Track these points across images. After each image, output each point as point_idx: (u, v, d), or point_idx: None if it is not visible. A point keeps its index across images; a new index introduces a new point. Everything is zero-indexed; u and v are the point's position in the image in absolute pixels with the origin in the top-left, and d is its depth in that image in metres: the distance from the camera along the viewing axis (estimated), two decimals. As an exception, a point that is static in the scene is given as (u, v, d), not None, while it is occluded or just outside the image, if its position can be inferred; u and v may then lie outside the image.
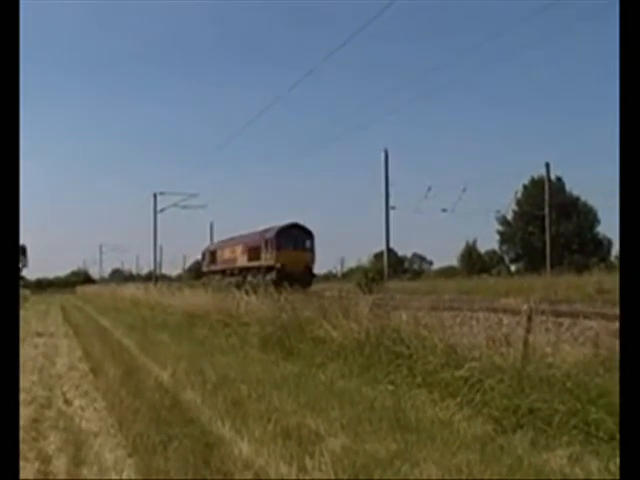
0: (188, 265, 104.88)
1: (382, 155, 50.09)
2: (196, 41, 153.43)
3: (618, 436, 6.03)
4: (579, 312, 13.47)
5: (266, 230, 49.61)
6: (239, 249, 54.97)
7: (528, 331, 8.21)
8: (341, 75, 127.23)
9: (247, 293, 19.74)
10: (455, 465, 5.72)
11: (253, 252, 50.37)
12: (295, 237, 47.53)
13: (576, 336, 9.26)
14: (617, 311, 11.91)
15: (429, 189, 49.69)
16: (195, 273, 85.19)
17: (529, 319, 8.39)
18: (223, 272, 57.86)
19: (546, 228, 51.17)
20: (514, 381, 7.46)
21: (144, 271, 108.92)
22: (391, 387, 8.87)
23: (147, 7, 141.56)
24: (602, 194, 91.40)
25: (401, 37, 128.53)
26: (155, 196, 65.71)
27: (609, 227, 74.09)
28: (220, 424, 7.54)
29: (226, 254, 59.07)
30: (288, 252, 45.88)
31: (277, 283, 37.68)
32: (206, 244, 69.98)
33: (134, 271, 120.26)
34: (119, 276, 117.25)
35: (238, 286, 32.79)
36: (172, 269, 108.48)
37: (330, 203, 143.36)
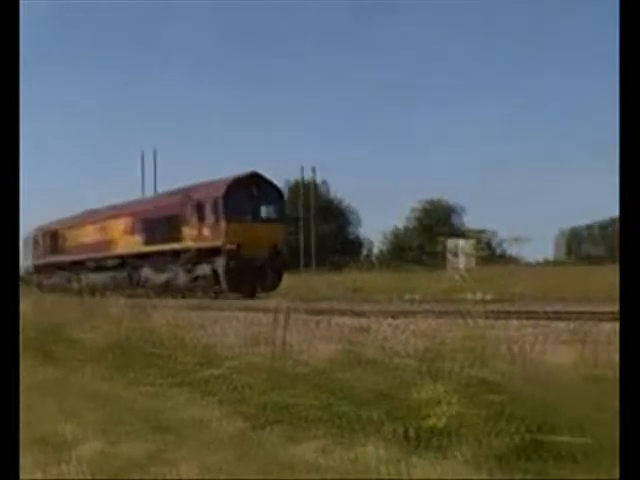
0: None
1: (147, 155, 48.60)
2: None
3: (365, 427, 6.46)
4: (334, 310, 14.19)
5: (199, 187, 29.93)
6: (122, 224, 33.93)
7: (284, 329, 8.50)
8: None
9: None
10: (213, 463, 5.83)
11: (161, 227, 30.39)
12: (256, 198, 28.30)
13: (330, 333, 9.73)
14: (366, 307, 12.66)
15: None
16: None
17: (286, 318, 8.69)
18: (80, 264, 37.24)
19: (310, 229, 53.01)
20: (271, 378, 7.68)
21: None
22: (150, 388, 8.82)
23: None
24: (364, 197, 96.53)
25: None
26: None
27: (369, 228, 78.23)
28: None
29: (85, 236, 37.49)
30: (246, 224, 27.26)
31: (231, 280, 26.48)
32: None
33: None
34: None
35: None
36: None
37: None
